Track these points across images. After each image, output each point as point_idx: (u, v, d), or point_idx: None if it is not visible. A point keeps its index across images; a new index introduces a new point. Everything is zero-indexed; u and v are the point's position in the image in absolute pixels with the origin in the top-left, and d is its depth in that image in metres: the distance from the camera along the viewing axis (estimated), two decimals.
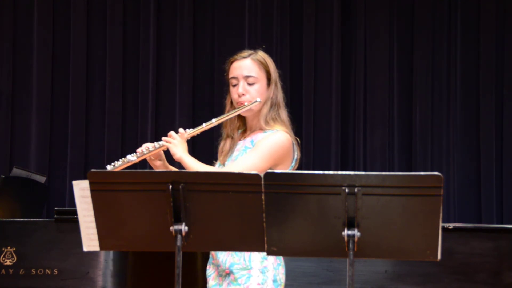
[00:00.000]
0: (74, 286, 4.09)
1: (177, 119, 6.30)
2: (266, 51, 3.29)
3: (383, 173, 2.37)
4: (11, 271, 4.10)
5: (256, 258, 3.08)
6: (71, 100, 6.30)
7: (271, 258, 3.09)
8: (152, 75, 6.32)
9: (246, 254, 3.08)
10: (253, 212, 2.40)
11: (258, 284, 3.05)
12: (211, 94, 6.32)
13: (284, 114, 3.24)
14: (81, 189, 2.64)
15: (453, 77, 6.39)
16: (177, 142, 3.11)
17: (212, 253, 3.17)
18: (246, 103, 3.17)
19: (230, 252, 3.09)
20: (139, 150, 3.15)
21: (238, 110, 3.18)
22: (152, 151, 3.14)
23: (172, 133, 3.14)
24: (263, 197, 2.37)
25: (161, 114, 6.35)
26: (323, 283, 4.13)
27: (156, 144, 3.15)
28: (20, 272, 4.10)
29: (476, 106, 6.38)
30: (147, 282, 4.20)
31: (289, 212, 2.39)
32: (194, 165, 3.09)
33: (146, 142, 5.99)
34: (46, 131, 6.29)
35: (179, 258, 2.43)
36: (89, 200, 2.48)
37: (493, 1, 6.40)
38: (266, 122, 3.18)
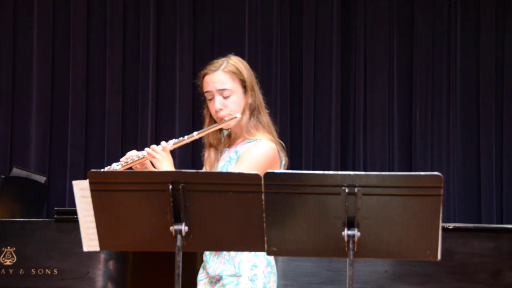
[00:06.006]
0: (74, 286, 4.10)
1: (177, 119, 6.30)
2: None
3: (383, 173, 2.36)
4: (11, 271, 4.10)
5: (246, 265, 3.02)
6: (71, 100, 6.30)
7: (262, 266, 3.03)
8: (152, 75, 6.31)
9: (236, 261, 3.03)
10: (253, 212, 2.40)
11: None
12: None
13: (264, 118, 3.14)
14: (81, 189, 2.64)
15: (453, 77, 6.39)
16: (161, 157, 3.03)
17: (204, 259, 3.14)
18: (226, 118, 3.08)
19: (222, 261, 3.06)
20: (123, 159, 3.08)
21: (218, 125, 3.10)
22: (136, 160, 3.07)
23: (154, 147, 3.05)
24: (263, 197, 2.37)
25: (161, 114, 6.35)
26: (323, 283, 4.13)
27: (140, 154, 3.07)
28: (20, 272, 4.10)
29: (476, 106, 6.38)
30: (147, 282, 4.20)
31: (289, 212, 2.38)
32: None
33: (146, 142, 6.03)
34: (46, 131, 6.29)
35: (179, 258, 2.43)
36: (89, 200, 2.48)
37: (493, 1, 6.40)
38: (248, 132, 3.10)
